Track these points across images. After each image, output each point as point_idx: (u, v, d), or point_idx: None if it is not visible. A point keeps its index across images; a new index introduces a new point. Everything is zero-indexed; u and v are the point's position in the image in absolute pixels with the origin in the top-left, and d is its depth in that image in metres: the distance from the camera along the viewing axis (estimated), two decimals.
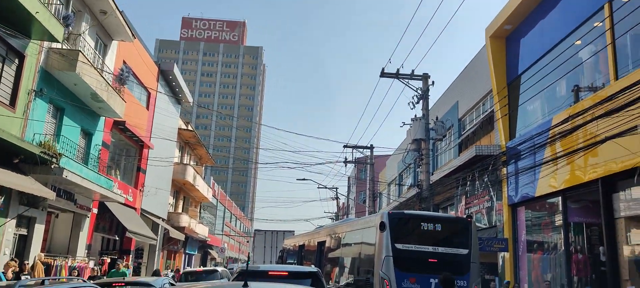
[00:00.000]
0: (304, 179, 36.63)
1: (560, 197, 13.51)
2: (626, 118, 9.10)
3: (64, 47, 15.58)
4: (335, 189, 41.46)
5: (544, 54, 14.52)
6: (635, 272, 10.79)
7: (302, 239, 20.34)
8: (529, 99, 15.33)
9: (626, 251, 11.18)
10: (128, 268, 21.21)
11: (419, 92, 17.90)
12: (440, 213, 19.11)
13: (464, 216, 16.99)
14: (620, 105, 9.19)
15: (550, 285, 13.32)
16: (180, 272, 23.90)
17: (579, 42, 12.83)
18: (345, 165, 31.74)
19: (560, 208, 13.59)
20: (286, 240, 25.06)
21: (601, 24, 11.80)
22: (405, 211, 13.08)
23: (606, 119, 9.81)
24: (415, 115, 18.24)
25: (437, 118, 19.99)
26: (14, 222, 13.88)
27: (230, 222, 73.64)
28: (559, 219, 13.82)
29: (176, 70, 28.06)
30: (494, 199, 17.47)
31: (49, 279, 8.61)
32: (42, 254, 13.72)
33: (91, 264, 18.42)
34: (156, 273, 21.42)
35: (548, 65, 13.53)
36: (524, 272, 15.24)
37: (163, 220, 29.66)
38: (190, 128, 33.86)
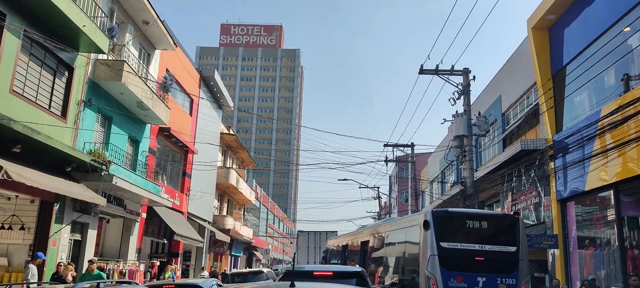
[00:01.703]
0: (345, 179, 36.64)
1: (612, 191, 12.98)
2: None
3: (110, 58, 16.18)
4: (376, 188, 41.27)
5: (590, 43, 14.00)
6: None
7: (345, 239, 20.35)
8: (576, 91, 14.81)
9: None
10: (175, 271, 21.79)
11: (460, 87, 17.61)
12: (485, 211, 18.73)
13: (511, 213, 16.59)
14: None
15: (594, 284, 12.83)
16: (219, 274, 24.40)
17: (628, 29, 12.30)
18: (386, 164, 31.53)
19: (613, 202, 13.05)
20: (329, 241, 25.13)
21: None
22: (450, 209, 12.88)
23: None
24: (457, 111, 17.95)
25: (479, 113, 19.60)
26: (69, 227, 14.51)
27: (274, 223, 74.46)
28: (611, 214, 13.28)
29: (217, 76, 28.63)
30: (542, 195, 16.96)
31: (104, 282, 8.95)
32: (64, 262, 13.82)
33: (142, 267, 19.03)
34: (214, 274, 21.94)
35: (595, 54, 13.04)
36: (575, 269, 14.72)
37: (209, 223, 30.30)
38: (231, 132, 34.47)
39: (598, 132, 12.48)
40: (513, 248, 10.48)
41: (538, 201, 17.41)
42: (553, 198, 15.84)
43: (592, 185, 13.50)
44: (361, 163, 39.81)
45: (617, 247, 12.72)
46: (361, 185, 38.89)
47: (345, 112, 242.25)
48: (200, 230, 28.09)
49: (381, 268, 13.77)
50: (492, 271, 10.18)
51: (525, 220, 16.21)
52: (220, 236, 31.20)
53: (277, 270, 36.29)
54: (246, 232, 41.56)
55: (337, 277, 8.05)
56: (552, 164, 15.69)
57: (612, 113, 11.75)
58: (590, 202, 14.84)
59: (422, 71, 18.04)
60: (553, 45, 16.55)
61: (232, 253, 40.84)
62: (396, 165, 39.44)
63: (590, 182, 13.51)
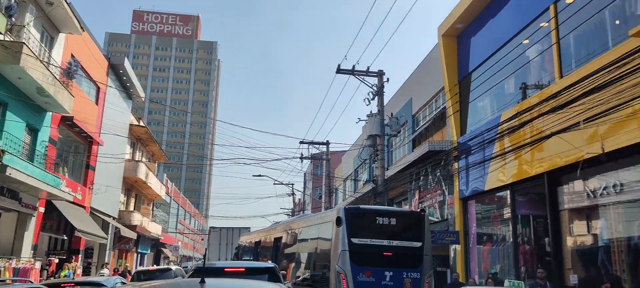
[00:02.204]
0: (260, 175, 36.33)
1: (508, 191, 14.03)
2: (570, 114, 9.55)
3: (7, 38, 14.82)
4: (291, 185, 41.44)
5: (493, 52, 15.01)
6: (577, 262, 11.36)
7: (258, 236, 20.22)
8: (479, 96, 15.82)
9: (569, 242, 11.74)
10: (74, 269, 20.48)
11: (375, 88, 18.13)
12: (394, 208, 19.46)
13: (417, 210, 17.40)
14: (565, 102, 9.62)
15: (497, 277, 13.82)
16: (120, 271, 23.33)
17: (526, 41, 13.33)
18: (302, 161, 31.76)
19: (509, 201, 14.12)
20: (242, 237, 24.86)
21: (547, 24, 12.32)
22: (361, 206, 13.23)
23: (551, 115, 10.26)
24: (371, 112, 18.48)
25: (392, 114, 20.30)
26: None
27: (185, 219, 72.28)
28: (507, 212, 14.36)
29: (127, 64, 27.23)
30: (446, 193, 17.94)
31: None
32: None
33: (37, 265, 17.66)
34: (122, 274, 20.78)
35: (497, 63, 14.00)
36: (474, 264, 15.74)
37: (114, 218, 28.78)
38: (142, 124, 32.97)
39: (498, 135, 13.42)
40: (418, 244, 10.93)
41: (442, 199, 18.39)
42: (456, 197, 16.81)
43: (491, 185, 14.50)
44: (276, 160, 40.00)
45: (511, 243, 13.77)
46: (276, 182, 38.87)
47: (261, 108, 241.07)
48: (104, 226, 26.61)
49: (293, 264, 13.84)
50: (399, 266, 10.56)
51: (430, 217, 17.07)
52: (125, 232, 29.76)
53: (186, 267, 35.25)
54: (154, 229, 39.98)
55: (249, 273, 7.98)
56: (456, 165, 16.64)
57: (510, 118, 12.67)
58: (489, 201, 15.93)
59: (339, 71, 18.35)
60: (460, 52, 17.55)
61: (139, 250, 39.10)
62: (311, 162, 39.88)
63: (490, 182, 14.50)
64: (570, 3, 11.35)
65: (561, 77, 11.65)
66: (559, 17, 11.83)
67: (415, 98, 22.18)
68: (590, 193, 11.19)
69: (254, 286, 3.95)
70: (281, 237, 15.81)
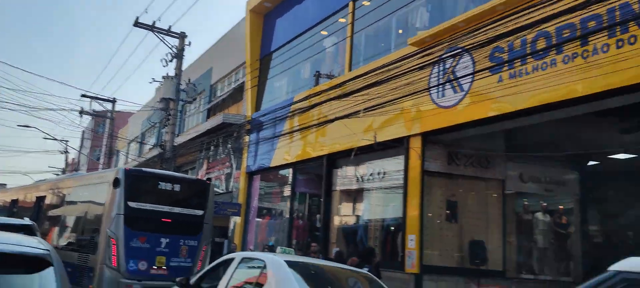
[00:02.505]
0: (26, 126, 31.67)
1: (291, 169, 14.90)
2: (352, 103, 10.53)
3: None
4: (65, 142, 37.07)
5: (295, 37, 15.65)
6: (341, 237, 12.69)
7: (16, 193, 17.58)
8: (277, 75, 16.40)
9: (336, 220, 13.03)
10: None
11: (174, 50, 17.32)
12: (179, 174, 18.98)
13: (204, 179, 17.27)
14: (349, 91, 10.57)
15: (273, 248, 14.60)
16: None
17: (325, 33, 14.24)
18: (81, 116, 28.64)
19: (290, 179, 14.99)
20: None
21: (345, 20, 13.34)
22: (144, 169, 12.53)
23: (337, 102, 11.17)
24: (168, 74, 17.64)
25: (189, 80, 19.72)
26: None
27: None
28: (287, 189, 15.23)
29: None
30: (234, 166, 18.19)
31: None
32: None
33: None
34: None
35: (297, 46, 14.65)
36: (251, 235, 16.35)
37: None
38: None
39: (289, 115, 14.09)
40: (200, 212, 10.85)
41: (230, 172, 18.61)
42: (243, 171, 17.17)
43: (277, 163, 15.19)
44: (51, 110, 35.15)
45: (287, 218, 14.67)
46: (47, 136, 34.36)
47: (39, 47, 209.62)
48: None
49: (58, 227, 12.39)
50: (177, 232, 10.35)
51: (215, 188, 17.11)
52: None
53: None
54: None
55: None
56: (247, 138, 16.98)
57: (301, 100, 13.41)
58: (273, 177, 16.68)
59: (137, 24, 17.03)
60: (265, 31, 17.88)
61: None
62: (93, 119, 36.24)
63: (276, 160, 15.17)
64: (366, 5, 12.50)
65: (350, 69, 12.76)
66: (356, 13, 12.93)
67: (216, 68, 21.90)
68: (359, 177, 12.56)
69: None
70: (46, 196, 14.02)
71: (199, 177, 20.63)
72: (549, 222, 11.58)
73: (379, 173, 11.81)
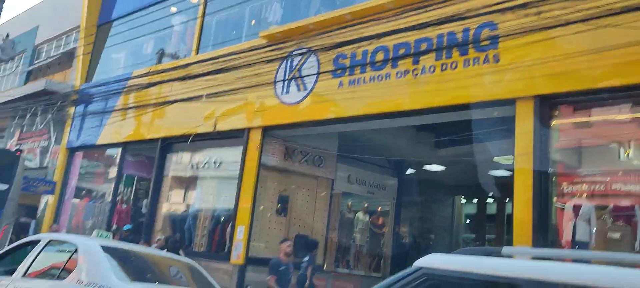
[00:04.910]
0: None
1: (120, 149, 13.81)
2: (196, 88, 10.16)
3: None
4: None
5: (141, 8, 14.56)
6: (168, 224, 12.15)
7: None
8: (115, 46, 15.11)
9: (165, 207, 12.44)
10: None
11: None
12: None
13: (13, 150, 15.18)
14: (194, 74, 10.19)
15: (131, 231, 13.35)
16: None
17: (174, 10, 13.51)
18: None
19: (118, 160, 13.90)
20: None
21: (197, 0, 12.85)
22: None
23: (179, 83, 10.69)
24: None
25: (8, 35, 17.20)
26: None
27: None
28: (114, 170, 14.09)
29: None
30: (53, 140, 16.29)
31: None
32: None
33: None
34: None
35: (141, 19, 13.68)
36: (65, 217, 14.80)
37: None
38: None
39: (124, 90, 13.06)
40: (5, 186, 9.64)
41: (47, 146, 16.61)
42: (63, 146, 15.46)
43: (104, 141, 13.98)
44: None
45: (110, 201, 13.57)
46: None
47: None
48: None
49: None
50: None
51: (26, 162, 15.11)
52: None
53: None
54: None
55: None
56: (72, 111, 15.33)
57: (141, 76, 12.53)
58: (98, 156, 15.31)
59: None
60: None
61: None
62: None
63: (104, 137, 13.95)
64: None
65: (197, 53, 12.29)
66: None
67: (43, 27, 19.45)
68: (194, 165, 12.17)
69: None
70: None
71: (8, 147, 18.07)
72: (367, 221, 12.55)
73: (215, 162, 11.58)
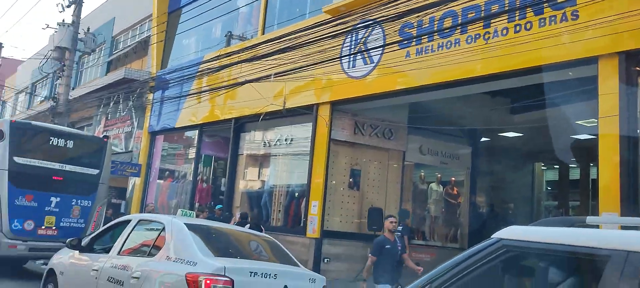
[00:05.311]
0: None
1: (197, 131, 14.45)
2: (264, 67, 10.37)
3: None
4: None
5: None
6: (245, 201, 12.63)
7: None
8: (186, 32, 15.67)
9: (242, 184, 12.92)
10: None
11: None
12: (74, 130, 17.79)
13: (101, 137, 16.31)
14: (261, 55, 10.39)
15: (174, 210, 14.17)
16: None
17: None
18: None
19: (196, 141, 14.56)
20: None
21: None
22: (33, 122, 11.54)
23: (248, 64, 10.94)
24: (64, 20, 16.28)
25: (88, 29, 18.30)
26: None
27: None
28: (192, 151, 14.80)
29: None
30: (135, 125, 17.31)
31: None
32: None
33: None
34: None
35: (209, 3, 14.06)
36: (151, 197, 15.78)
37: None
38: None
39: (197, 74, 13.58)
40: (95, 171, 10.39)
41: (130, 131, 17.69)
42: (145, 131, 16.39)
43: (182, 123, 14.67)
44: None
45: (191, 180, 14.29)
46: None
47: None
48: None
49: None
50: (69, 192, 9.92)
51: (113, 147, 16.21)
52: None
53: None
54: None
55: None
56: (150, 96, 16.18)
57: (211, 60, 12.96)
58: (177, 139, 16.12)
59: None
60: None
61: None
62: None
63: (181, 120, 14.63)
64: None
65: (263, 32, 12.50)
66: None
67: (119, 19, 20.50)
68: (266, 142, 12.50)
69: None
70: None
71: (96, 134, 19.42)
72: (441, 192, 12.36)
73: (286, 139, 11.83)
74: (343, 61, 9.60)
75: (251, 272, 4.86)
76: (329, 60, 9.12)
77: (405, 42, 8.48)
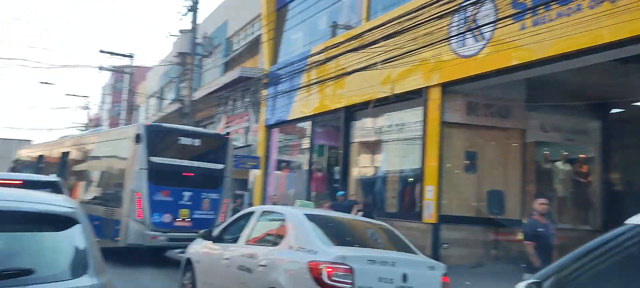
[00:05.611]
0: (47, 82, 32.21)
1: (310, 122, 14.91)
2: (370, 55, 10.38)
3: None
4: (86, 98, 37.62)
5: None
6: (359, 188, 12.79)
7: (41, 149, 18.00)
8: (294, 27, 16.17)
9: (355, 171, 13.10)
10: None
11: (191, 2, 17.16)
12: (199, 129, 19.21)
13: (223, 133, 17.45)
14: (367, 43, 10.40)
15: (291, 200, 14.77)
16: None
17: None
18: (100, 72, 28.85)
19: (309, 132, 15.03)
20: (21, 150, 21.86)
21: None
22: (164, 124, 12.69)
23: (354, 54, 11.02)
24: (184, 28, 17.57)
25: (206, 34, 19.62)
26: None
27: None
28: (306, 142, 15.30)
29: None
30: (252, 120, 18.28)
31: None
32: None
33: None
34: None
35: None
36: (271, 188, 16.59)
37: None
38: None
39: (306, 67, 13.98)
40: (220, 166, 11.05)
41: (248, 126, 18.73)
42: (261, 125, 17.26)
43: (295, 116, 15.22)
44: (70, 67, 35.42)
45: (306, 170, 14.80)
46: (69, 93, 34.84)
47: (56, 4, 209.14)
48: None
49: (83, 182, 12.72)
50: (199, 186, 10.59)
51: (234, 142, 17.28)
52: None
53: None
54: None
55: (29, 186, 7.06)
56: (264, 92, 16.97)
57: (319, 52, 13.26)
58: (291, 130, 16.76)
59: None
60: None
61: None
62: (112, 75, 36.49)
63: (294, 113, 15.19)
64: None
65: (368, 20, 12.50)
66: None
67: (231, 21, 21.69)
68: (377, 129, 12.53)
69: (27, 194, 3.40)
70: (70, 152, 14.34)
71: (218, 131, 20.83)
72: (569, 171, 11.48)
73: (397, 125, 11.76)
74: (451, 41, 9.29)
75: (369, 260, 4.96)
76: (437, 41, 8.87)
77: (520, 14, 7.98)
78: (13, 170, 20.95)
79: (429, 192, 9.74)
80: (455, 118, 10.22)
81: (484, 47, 8.79)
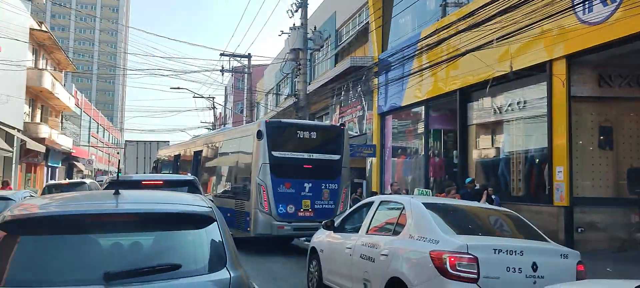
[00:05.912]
0: (178, 88, 35.17)
1: (423, 107, 14.63)
2: (484, 33, 9.90)
3: None
4: (211, 99, 40.48)
5: None
6: (480, 172, 12.29)
7: (177, 149, 19.81)
8: (402, 12, 15.92)
9: (475, 154, 12.62)
10: None
11: (298, 0, 17.66)
12: (315, 122, 19.75)
13: (338, 124, 17.76)
14: (481, 20, 9.93)
15: (409, 186, 14.66)
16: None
17: None
18: (222, 74, 30.88)
19: (423, 116, 14.76)
20: (160, 151, 24.25)
21: None
22: (282, 120, 13.28)
23: (467, 33, 10.58)
24: (294, 24, 18.10)
25: (315, 28, 20.04)
26: None
27: (98, 132, 69.06)
28: (421, 127, 15.05)
29: None
30: (366, 109, 18.39)
31: None
32: None
33: None
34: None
35: None
36: (388, 175, 16.58)
37: (18, 130, 26.83)
38: (44, 28, 30.12)
39: (417, 52, 13.72)
40: (337, 157, 11.28)
41: (362, 114, 18.87)
42: (374, 112, 17.29)
43: (408, 101, 15.02)
44: (196, 72, 38.43)
45: (423, 156, 14.57)
46: (196, 95, 37.77)
47: (180, 15, 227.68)
48: (8, 138, 24.78)
49: (214, 178, 13.81)
50: (318, 177, 10.93)
51: (349, 132, 17.52)
52: (32, 145, 27.95)
53: (101, 181, 34.11)
54: (65, 141, 37.89)
55: (168, 185, 7.87)
56: (376, 80, 16.97)
57: (429, 35, 12.94)
58: (405, 116, 16.57)
59: None
60: None
61: (49, 164, 37.11)
62: (232, 75, 38.86)
63: (407, 98, 15.00)
64: None
65: None
66: None
67: (339, 12, 21.92)
68: (496, 109, 11.93)
69: (170, 196, 3.85)
70: (201, 151, 15.62)
71: (333, 122, 21.26)
72: None
73: (518, 103, 11.10)
74: (576, 8, 8.53)
75: (495, 249, 4.78)
76: (558, 11, 8.21)
77: None
78: (155, 168, 23.40)
79: (559, 172, 9.08)
80: (585, 91, 9.40)
81: (614, 12, 7.96)
